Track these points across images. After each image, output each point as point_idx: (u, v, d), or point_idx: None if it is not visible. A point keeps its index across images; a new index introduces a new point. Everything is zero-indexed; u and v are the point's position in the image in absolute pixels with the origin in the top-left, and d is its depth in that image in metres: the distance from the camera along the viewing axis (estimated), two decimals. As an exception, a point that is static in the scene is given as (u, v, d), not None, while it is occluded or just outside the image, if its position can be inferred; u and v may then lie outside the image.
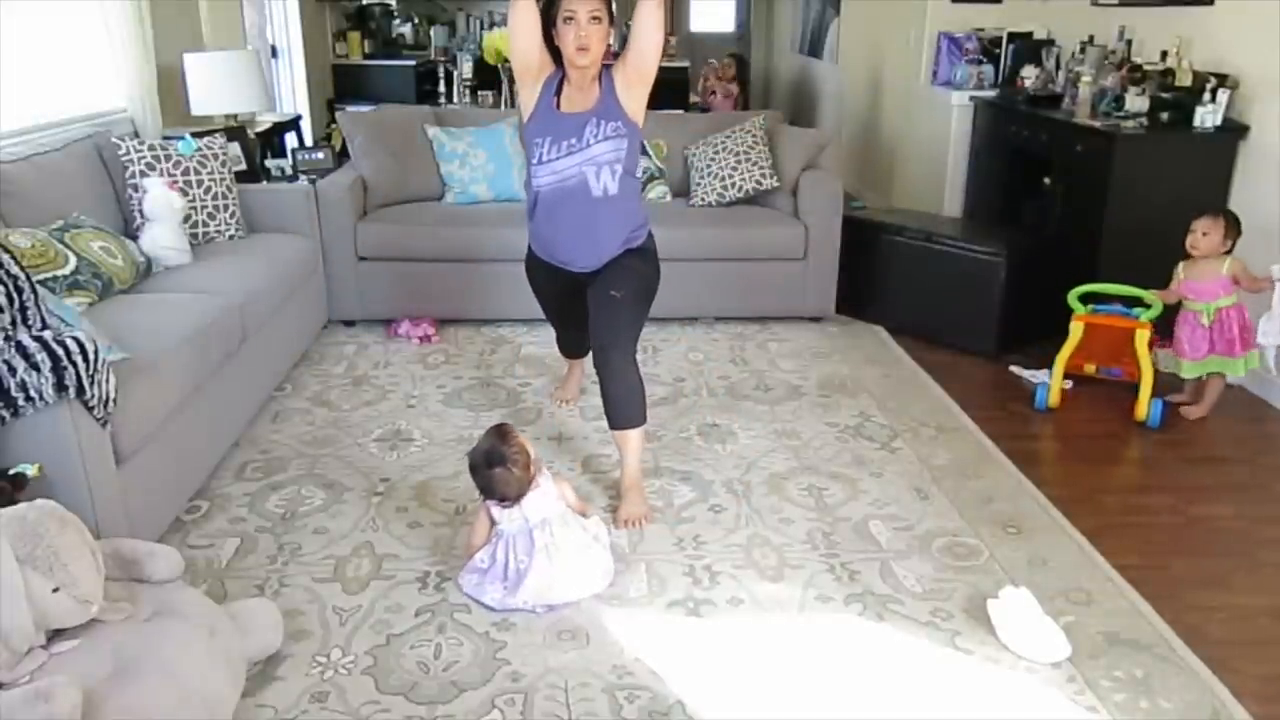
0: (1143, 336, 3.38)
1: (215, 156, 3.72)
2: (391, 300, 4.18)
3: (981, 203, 5.18)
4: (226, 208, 3.73)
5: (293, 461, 3.06)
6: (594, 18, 2.57)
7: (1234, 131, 3.75)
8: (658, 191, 4.51)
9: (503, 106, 6.10)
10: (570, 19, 2.57)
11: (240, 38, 5.72)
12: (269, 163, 4.82)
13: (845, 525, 2.73)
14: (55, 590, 1.77)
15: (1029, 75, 4.93)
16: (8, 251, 2.15)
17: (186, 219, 3.54)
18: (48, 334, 2.09)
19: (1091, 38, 4.61)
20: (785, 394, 3.62)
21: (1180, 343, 3.43)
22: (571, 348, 3.41)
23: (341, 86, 7.47)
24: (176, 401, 2.62)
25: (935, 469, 3.06)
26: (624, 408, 2.75)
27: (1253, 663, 2.20)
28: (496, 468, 2.32)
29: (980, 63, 5.30)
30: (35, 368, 2.04)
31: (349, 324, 4.26)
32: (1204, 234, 3.33)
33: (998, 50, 5.29)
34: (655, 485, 2.93)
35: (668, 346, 4.08)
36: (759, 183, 4.34)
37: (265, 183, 4.51)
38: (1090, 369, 3.67)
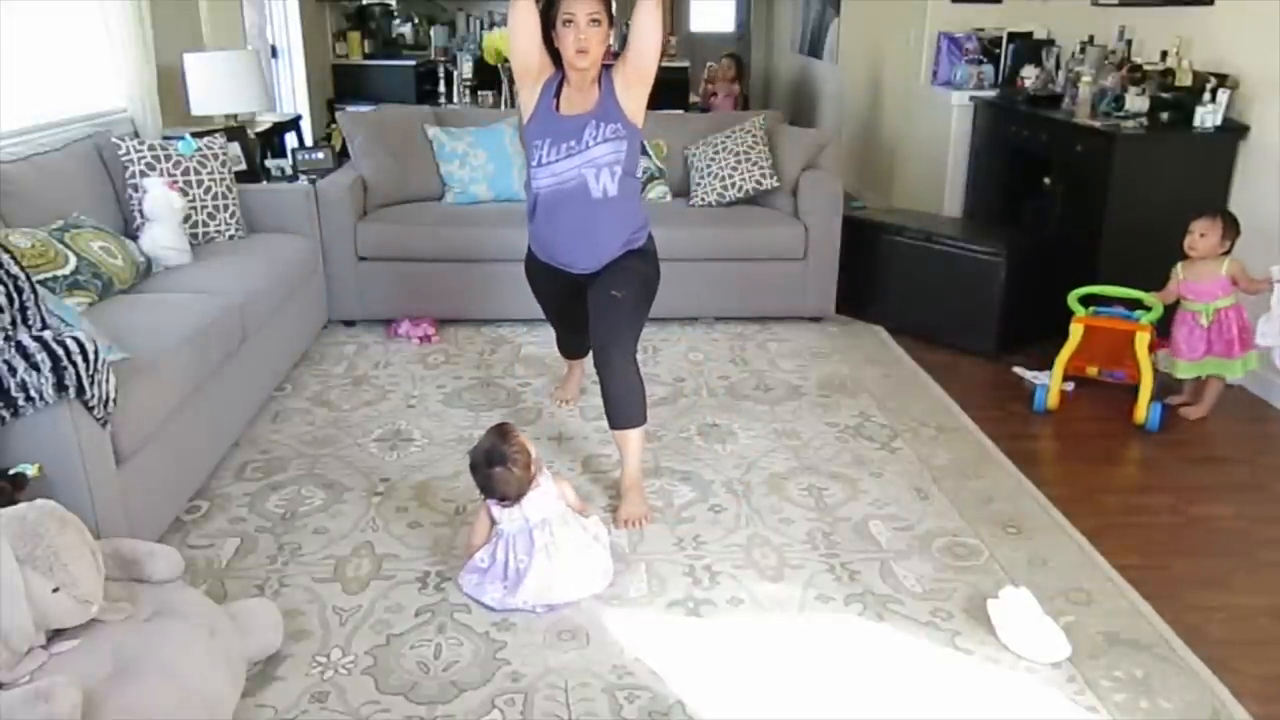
0: (1143, 339, 3.36)
1: (215, 156, 3.72)
2: (391, 300, 4.18)
3: (981, 203, 5.17)
4: (226, 208, 3.73)
5: (293, 461, 3.06)
6: (593, 20, 2.57)
7: (1234, 131, 3.75)
8: (658, 191, 4.51)
9: (503, 106, 6.10)
10: (569, 22, 2.57)
11: (240, 38, 5.72)
12: (269, 163, 4.82)
13: (845, 525, 2.73)
14: (55, 590, 1.77)
15: (1029, 75, 4.93)
16: (8, 251, 2.16)
17: (186, 219, 3.54)
18: (48, 334, 2.09)
19: (1091, 38, 4.61)
20: (785, 394, 3.62)
21: (1177, 343, 3.42)
22: (571, 348, 3.41)
23: (341, 86, 7.47)
24: (176, 401, 2.62)
25: (935, 469, 3.06)
26: (624, 408, 2.75)
27: (1253, 663, 2.20)
28: (497, 467, 2.32)
29: (980, 63, 5.30)
30: (35, 368, 2.04)
31: (349, 324, 4.26)
32: (1202, 235, 3.32)
33: (998, 50, 5.29)
34: (655, 485, 2.93)
35: (668, 346, 4.08)
36: (759, 183, 4.35)
37: (265, 183, 4.51)
38: (1092, 371, 3.66)
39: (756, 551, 2.59)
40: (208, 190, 3.66)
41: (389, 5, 8.24)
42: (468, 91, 6.82)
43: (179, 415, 2.65)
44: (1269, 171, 3.62)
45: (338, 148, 5.28)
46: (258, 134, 5.06)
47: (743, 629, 2.28)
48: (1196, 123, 3.77)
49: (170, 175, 3.56)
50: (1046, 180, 4.48)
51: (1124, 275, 3.60)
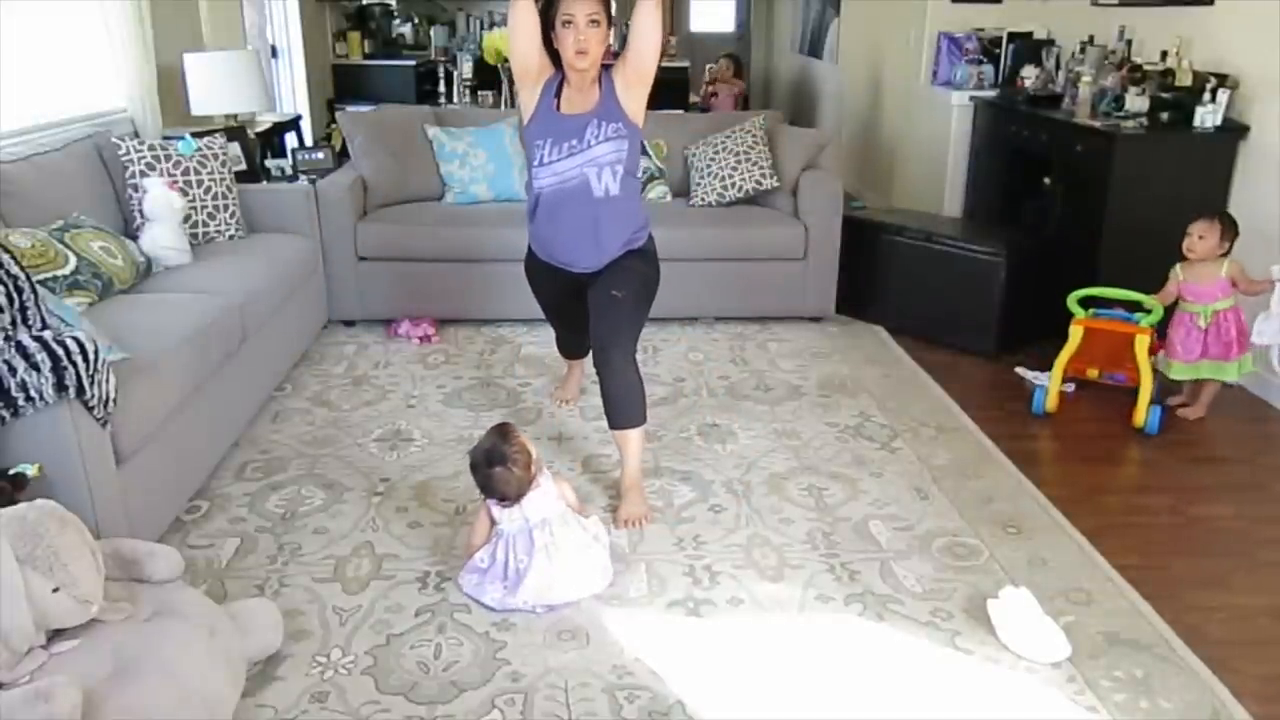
0: (1143, 342, 3.35)
1: (215, 156, 3.72)
2: (391, 300, 4.18)
3: (981, 203, 5.17)
4: (226, 208, 3.73)
5: (293, 461, 3.06)
6: (592, 21, 2.57)
7: (1234, 132, 3.75)
8: (658, 191, 4.51)
9: (503, 106, 6.10)
10: (569, 23, 2.57)
11: (240, 38, 5.72)
12: (269, 163, 4.82)
13: (845, 525, 2.73)
14: (55, 590, 1.77)
15: (1029, 75, 4.93)
16: (8, 251, 2.16)
17: (186, 219, 3.54)
18: (48, 334, 2.09)
19: (1091, 38, 4.61)
20: (785, 394, 3.62)
21: (1173, 344, 3.41)
22: (571, 348, 3.41)
23: (341, 86, 7.48)
24: (176, 401, 2.62)
25: (935, 469, 3.06)
26: (624, 407, 2.75)
27: (1253, 663, 2.20)
28: (497, 466, 2.32)
29: (980, 63, 5.30)
30: (35, 368, 2.04)
31: (349, 324, 4.26)
32: (1200, 237, 3.32)
33: (998, 50, 5.29)
34: (655, 485, 2.93)
35: (668, 346, 4.08)
36: (759, 183, 4.35)
37: (265, 183, 4.51)
38: (1093, 374, 3.65)
39: (756, 551, 2.59)
40: (208, 190, 3.66)
41: (389, 5, 8.24)
42: (468, 91, 6.82)
43: (179, 415, 2.65)
44: (1269, 172, 3.62)
45: (338, 148, 5.28)
46: (258, 134, 5.06)
47: (743, 629, 2.28)
48: (1196, 123, 3.77)
49: (170, 175, 3.56)
50: (1046, 180, 4.48)
51: (1124, 275, 3.59)
